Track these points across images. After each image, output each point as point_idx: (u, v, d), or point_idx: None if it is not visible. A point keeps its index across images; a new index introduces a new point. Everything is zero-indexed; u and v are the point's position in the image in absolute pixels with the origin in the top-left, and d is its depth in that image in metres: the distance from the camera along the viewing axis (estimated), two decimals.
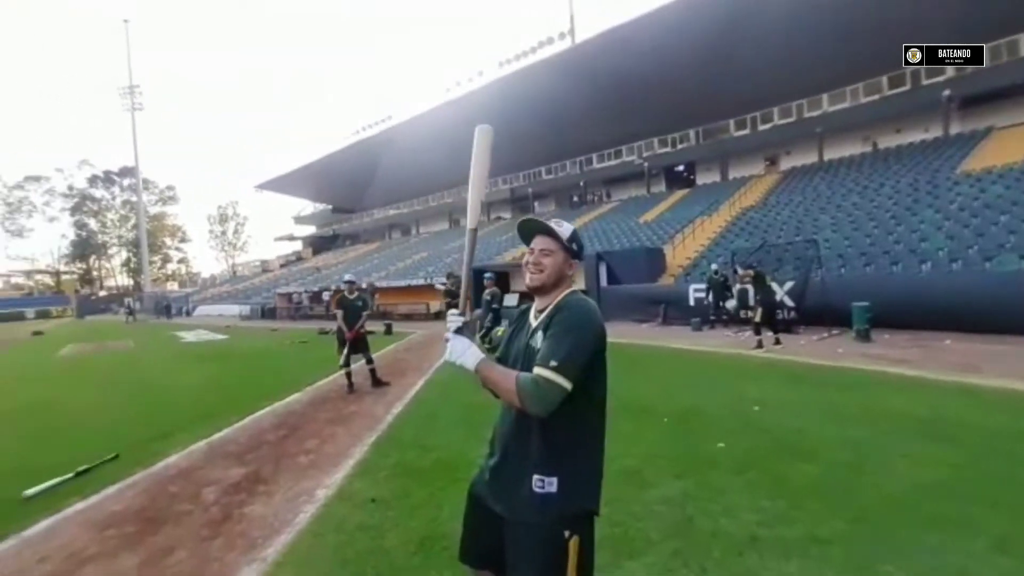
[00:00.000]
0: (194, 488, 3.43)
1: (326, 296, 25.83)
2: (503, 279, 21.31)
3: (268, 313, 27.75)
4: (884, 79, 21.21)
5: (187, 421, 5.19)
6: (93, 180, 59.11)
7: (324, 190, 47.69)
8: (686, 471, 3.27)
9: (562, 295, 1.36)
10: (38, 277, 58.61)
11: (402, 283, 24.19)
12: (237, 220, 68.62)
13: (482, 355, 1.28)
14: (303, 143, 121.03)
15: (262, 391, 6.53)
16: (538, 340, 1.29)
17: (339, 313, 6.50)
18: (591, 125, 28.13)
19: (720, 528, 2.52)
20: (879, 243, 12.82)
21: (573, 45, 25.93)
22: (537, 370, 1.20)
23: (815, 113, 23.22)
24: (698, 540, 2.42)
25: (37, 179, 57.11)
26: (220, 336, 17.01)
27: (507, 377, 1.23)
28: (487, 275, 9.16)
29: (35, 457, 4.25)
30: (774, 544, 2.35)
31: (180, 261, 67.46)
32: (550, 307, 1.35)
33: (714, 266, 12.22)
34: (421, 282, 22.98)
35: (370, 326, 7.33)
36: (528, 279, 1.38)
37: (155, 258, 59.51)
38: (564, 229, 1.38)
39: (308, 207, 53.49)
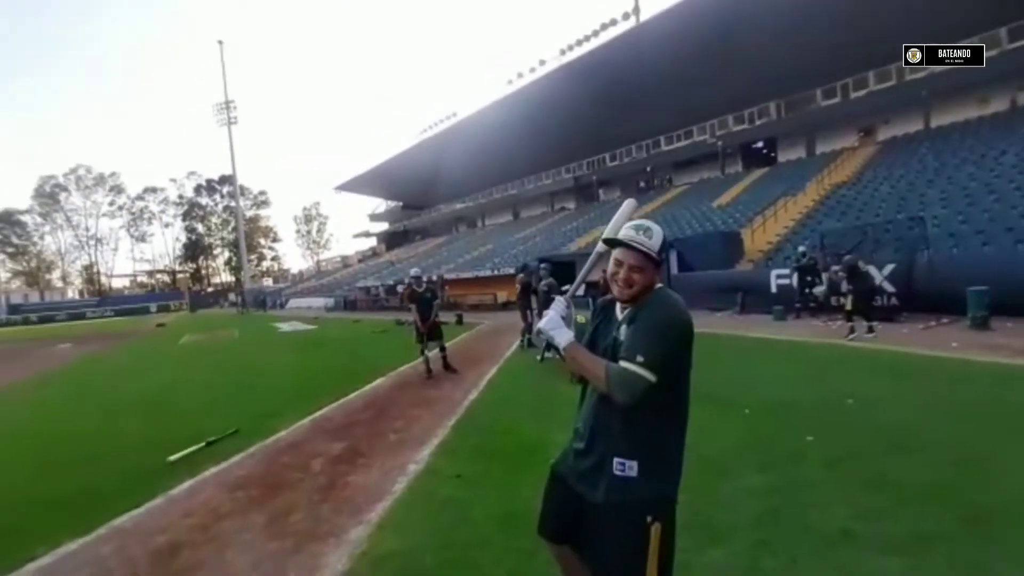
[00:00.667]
0: (303, 459, 3.88)
1: (400, 289, 27.28)
2: (567, 269, 21.25)
3: (349, 305, 29.81)
4: (1003, 31, 18.22)
5: (291, 401, 5.81)
6: (199, 189, 66.57)
7: (395, 188, 50.01)
8: (770, 463, 3.16)
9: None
10: (158, 276, 67.21)
11: (470, 274, 24.88)
12: (320, 220, 74.25)
13: (572, 337, 1.36)
14: (378, 143, 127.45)
15: (351, 376, 7.12)
16: (624, 333, 1.34)
17: (412, 306, 6.91)
18: (658, 106, 26.96)
19: (809, 521, 2.44)
20: (1000, 219, 11.19)
21: (638, 24, 24.94)
22: (624, 364, 1.25)
23: (919, 75, 20.48)
24: (784, 531, 2.37)
25: (154, 190, 65.39)
26: (310, 326, 18.59)
27: (597, 364, 1.30)
28: (542, 266, 8.99)
29: (173, 430, 4.98)
30: (872, 539, 2.24)
31: (273, 259, 74.15)
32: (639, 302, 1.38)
33: (802, 248, 11.26)
34: (488, 273, 23.50)
35: (442, 317, 7.70)
36: (618, 293, 1.39)
37: (252, 256, 65.79)
38: (654, 241, 1.36)
39: (381, 205, 56.39)
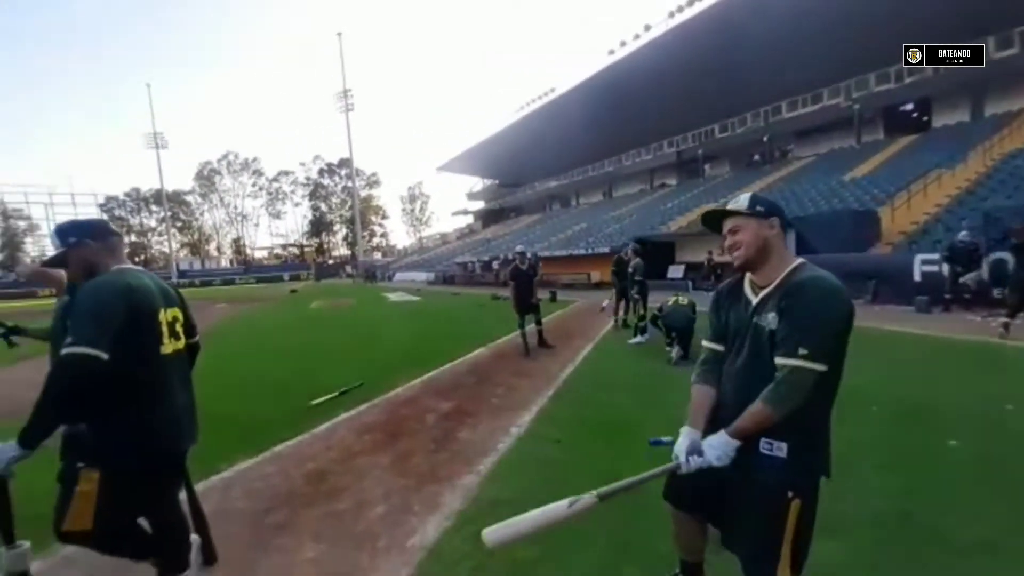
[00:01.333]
0: (418, 413, 4.37)
1: (495, 265, 28.24)
2: (665, 249, 20.31)
3: (448, 279, 31.60)
4: None
5: (404, 362, 6.47)
6: (322, 172, 74.13)
7: (492, 166, 51.15)
8: (902, 464, 2.91)
9: (789, 267, 1.33)
10: (289, 249, 76.68)
11: (563, 253, 24.90)
12: (423, 199, 78.88)
13: (730, 438, 1.29)
14: (478, 123, 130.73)
15: (454, 344, 7.68)
16: (770, 320, 1.28)
17: (512, 283, 7.19)
18: (781, 67, 23.97)
19: (941, 527, 2.24)
20: None
21: None
22: (784, 360, 1.21)
23: None
24: (910, 534, 2.20)
25: (287, 173, 74.17)
26: (415, 298, 20.14)
27: (758, 414, 1.24)
28: (631, 245, 8.52)
29: (312, 378, 5.84)
30: (1017, 553, 2.01)
31: (382, 235, 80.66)
32: (776, 282, 1.33)
33: (963, 233, 9.31)
34: (582, 252, 23.32)
35: (538, 294, 7.92)
36: (735, 262, 1.41)
37: (364, 232, 72.11)
38: (740, 202, 1.39)
39: (478, 183, 58.14)
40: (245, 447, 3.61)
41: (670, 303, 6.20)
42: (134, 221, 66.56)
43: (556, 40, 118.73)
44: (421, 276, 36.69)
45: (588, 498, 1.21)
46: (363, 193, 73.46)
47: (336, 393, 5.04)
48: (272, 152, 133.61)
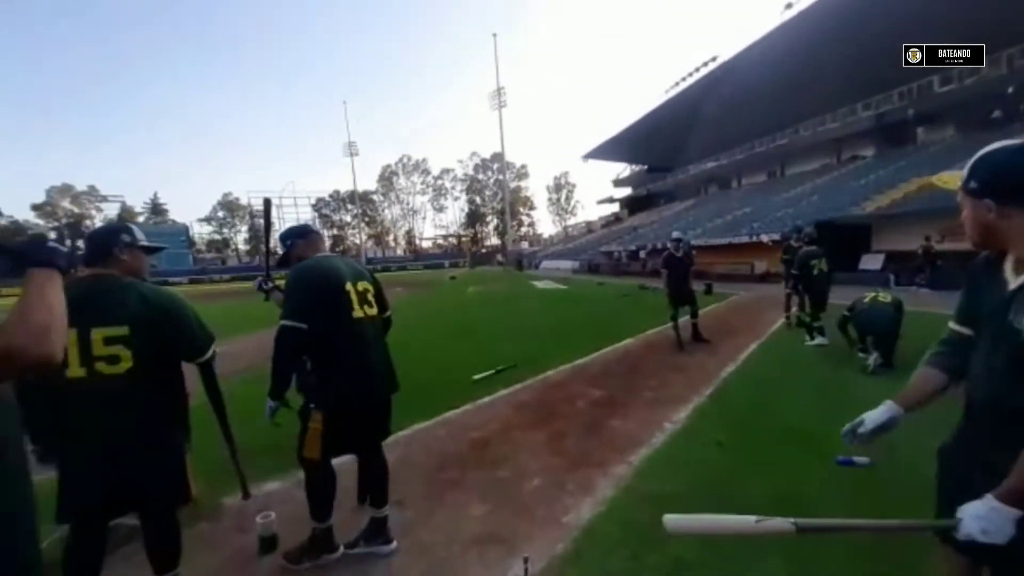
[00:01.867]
0: (569, 396, 4.49)
1: (642, 254, 27.09)
2: (857, 235, 16.93)
3: (593, 268, 31.41)
4: None
5: (554, 347, 6.69)
6: (477, 167, 80.00)
7: (640, 151, 48.84)
8: None
9: None
10: (450, 239, 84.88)
11: (722, 241, 22.65)
12: (568, 188, 79.68)
13: (1003, 505, 0.93)
14: (624, 108, 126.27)
15: (602, 332, 7.66)
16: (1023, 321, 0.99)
17: (664, 272, 6.79)
18: None
19: None
20: None
21: None
22: None
23: None
24: None
25: (448, 171, 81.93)
26: (561, 286, 20.55)
27: None
28: (805, 230, 7.18)
29: (474, 356, 6.42)
30: None
31: (529, 224, 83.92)
32: None
33: None
34: (745, 239, 20.89)
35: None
36: (972, 245, 1.16)
37: (513, 223, 75.97)
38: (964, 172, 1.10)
39: (625, 170, 56.19)
40: (420, 412, 4.16)
41: (866, 300, 5.18)
42: (335, 218, 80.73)
43: (713, 9, 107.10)
44: (566, 264, 37.17)
45: (782, 522, 1.03)
46: (512, 185, 77.18)
47: (493, 371, 5.47)
48: (437, 152, 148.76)
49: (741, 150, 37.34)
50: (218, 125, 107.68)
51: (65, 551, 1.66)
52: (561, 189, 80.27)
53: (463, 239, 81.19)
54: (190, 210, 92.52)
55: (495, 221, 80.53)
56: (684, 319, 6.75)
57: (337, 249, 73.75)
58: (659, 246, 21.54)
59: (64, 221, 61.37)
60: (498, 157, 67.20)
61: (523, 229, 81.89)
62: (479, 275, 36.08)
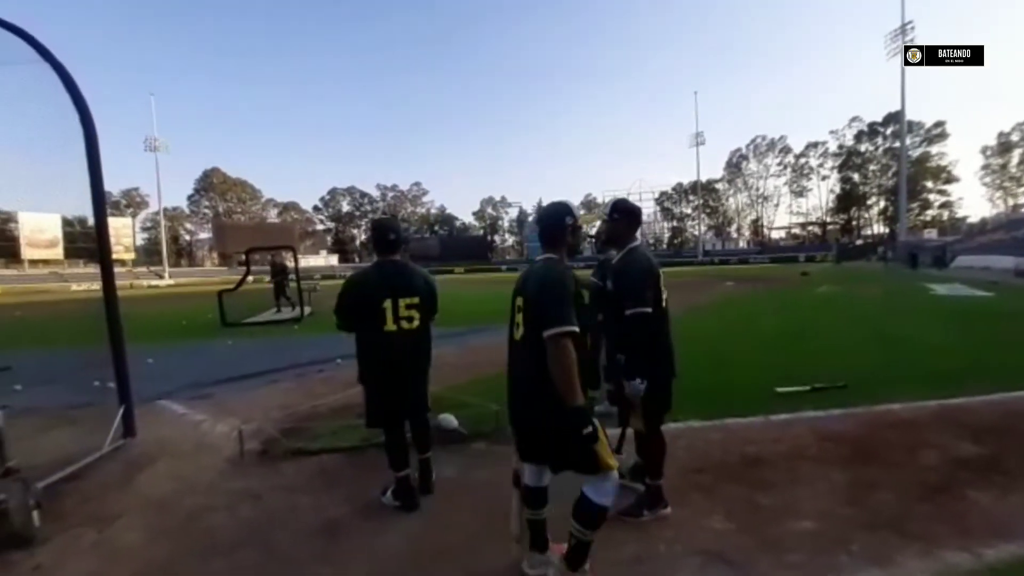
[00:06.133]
0: (912, 442, 3.27)
1: None
2: None
3: None
4: None
5: (918, 375, 4.88)
6: (859, 136, 63.11)
7: None
8: None
9: None
10: (809, 228, 71.00)
11: None
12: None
13: None
14: None
15: (1019, 367, 4.97)
16: None
17: None
18: None
19: None
20: None
21: None
22: None
23: None
24: None
25: (815, 145, 68.25)
26: (983, 293, 14.02)
27: None
28: None
29: (788, 366, 5.47)
30: None
31: (941, 206, 60.12)
32: None
33: None
34: None
35: None
36: None
37: (912, 205, 56.25)
38: None
39: None
40: (701, 410, 3.98)
41: None
42: (676, 210, 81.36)
43: None
44: (1003, 262, 24.59)
45: None
46: (916, 152, 56.82)
47: (808, 387, 4.55)
48: (798, 128, 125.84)
49: None
50: (578, 132, 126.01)
51: (385, 442, 2.73)
52: (1010, 150, 52.94)
53: (829, 228, 66.12)
54: None
55: (881, 203, 61.73)
56: None
57: (676, 241, 74.54)
58: None
59: (487, 223, 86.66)
60: (894, 117, 50.71)
61: (930, 212, 59.36)
62: (843, 272, 28.84)
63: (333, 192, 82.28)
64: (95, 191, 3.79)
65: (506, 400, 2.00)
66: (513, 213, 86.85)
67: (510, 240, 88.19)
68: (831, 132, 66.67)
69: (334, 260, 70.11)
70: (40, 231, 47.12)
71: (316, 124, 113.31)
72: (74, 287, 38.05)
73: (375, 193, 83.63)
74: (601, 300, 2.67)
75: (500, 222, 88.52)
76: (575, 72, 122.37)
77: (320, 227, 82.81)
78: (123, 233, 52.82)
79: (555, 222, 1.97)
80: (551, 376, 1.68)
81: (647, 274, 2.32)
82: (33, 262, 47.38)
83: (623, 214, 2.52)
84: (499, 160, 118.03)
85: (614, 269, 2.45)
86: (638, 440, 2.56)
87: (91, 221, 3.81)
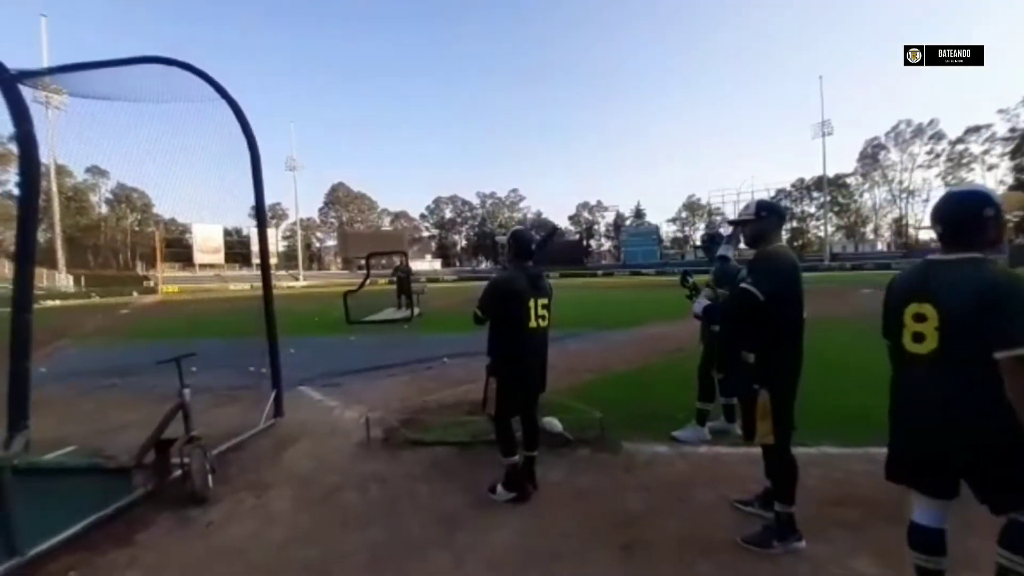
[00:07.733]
0: None
1: None
2: None
3: None
4: None
5: None
6: None
7: None
8: None
9: None
10: None
11: None
12: None
13: None
14: None
15: None
16: None
17: None
18: None
19: None
20: None
21: None
22: None
23: None
24: None
25: (977, 129, 56.99)
26: None
27: None
28: None
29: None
30: None
31: None
32: None
33: None
34: None
35: None
36: None
37: None
38: None
39: None
40: (839, 435, 3.53)
41: None
42: (797, 209, 73.19)
43: None
44: None
45: None
46: None
47: None
48: (951, 109, 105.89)
49: None
50: (679, 132, 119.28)
51: (500, 431, 2.86)
52: None
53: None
54: (660, 212, 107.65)
55: None
56: None
57: (795, 244, 66.76)
58: None
59: (583, 227, 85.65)
60: None
61: None
62: None
63: (437, 201, 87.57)
64: (258, 207, 4.48)
65: (890, 425, 1.81)
66: (609, 217, 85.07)
67: (606, 244, 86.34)
68: (999, 111, 55.11)
69: (437, 264, 74.70)
70: (208, 239, 56.70)
71: (422, 138, 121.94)
72: (231, 287, 45.13)
73: (475, 200, 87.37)
74: (751, 307, 2.21)
75: (596, 226, 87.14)
76: (672, 71, 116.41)
77: (425, 234, 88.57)
78: (269, 242, 61.53)
79: (970, 215, 1.57)
80: (1012, 401, 1.40)
81: (797, 277, 2.28)
82: (202, 266, 57.17)
83: (771, 211, 2.42)
84: (597, 165, 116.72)
85: (762, 270, 2.26)
86: (766, 458, 2.37)
87: (245, 231, 4.49)
